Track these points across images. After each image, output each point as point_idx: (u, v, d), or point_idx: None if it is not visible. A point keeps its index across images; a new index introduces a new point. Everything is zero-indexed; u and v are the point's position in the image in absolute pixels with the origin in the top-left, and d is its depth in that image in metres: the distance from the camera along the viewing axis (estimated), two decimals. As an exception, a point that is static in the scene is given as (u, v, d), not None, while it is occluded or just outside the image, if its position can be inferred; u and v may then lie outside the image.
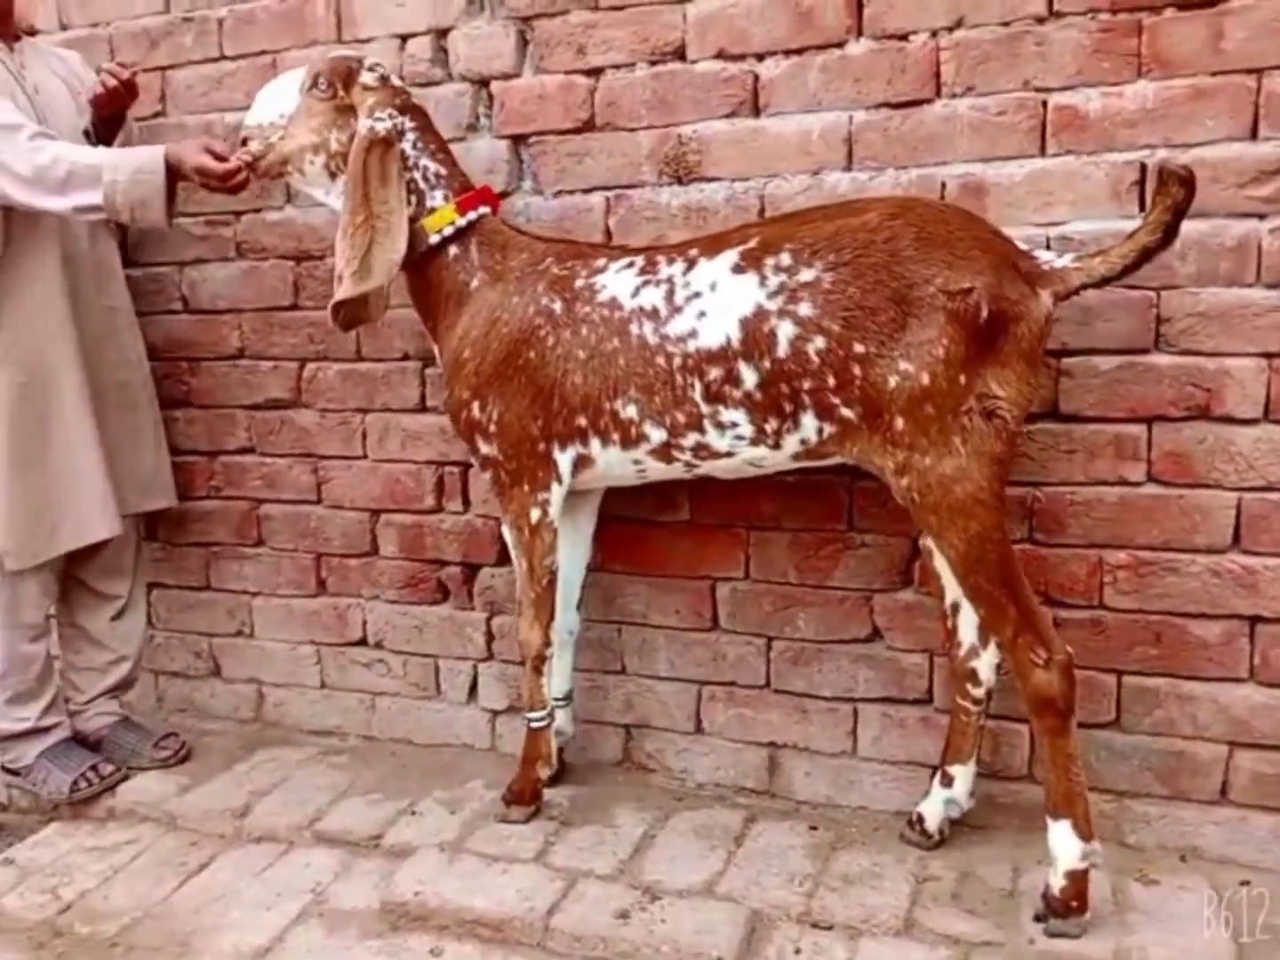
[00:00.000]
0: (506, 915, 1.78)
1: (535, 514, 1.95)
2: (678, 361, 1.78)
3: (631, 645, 2.23)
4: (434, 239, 1.96)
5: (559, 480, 1.94)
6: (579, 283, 1.88)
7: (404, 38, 2.26)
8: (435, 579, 2.40)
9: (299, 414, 2.48)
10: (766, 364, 1.72)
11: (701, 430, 1.80)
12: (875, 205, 1.71)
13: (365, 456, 2.43)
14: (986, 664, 1.85)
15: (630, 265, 1.86)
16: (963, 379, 1.62)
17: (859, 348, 1.66)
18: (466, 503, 2.34)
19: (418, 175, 1.96)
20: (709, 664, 2.17)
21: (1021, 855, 1.89)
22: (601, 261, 1.90)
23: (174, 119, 2.50)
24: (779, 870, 1.89)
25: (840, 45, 1.93)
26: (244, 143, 2.05)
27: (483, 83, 2.21)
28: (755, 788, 2.16)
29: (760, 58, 1.99)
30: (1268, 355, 1.76)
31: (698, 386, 1.77)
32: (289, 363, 2.48)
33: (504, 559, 2.32)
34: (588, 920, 1.75)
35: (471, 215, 1.97)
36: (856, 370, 1.67)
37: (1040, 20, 1.81)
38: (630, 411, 1.84)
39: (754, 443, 1.78)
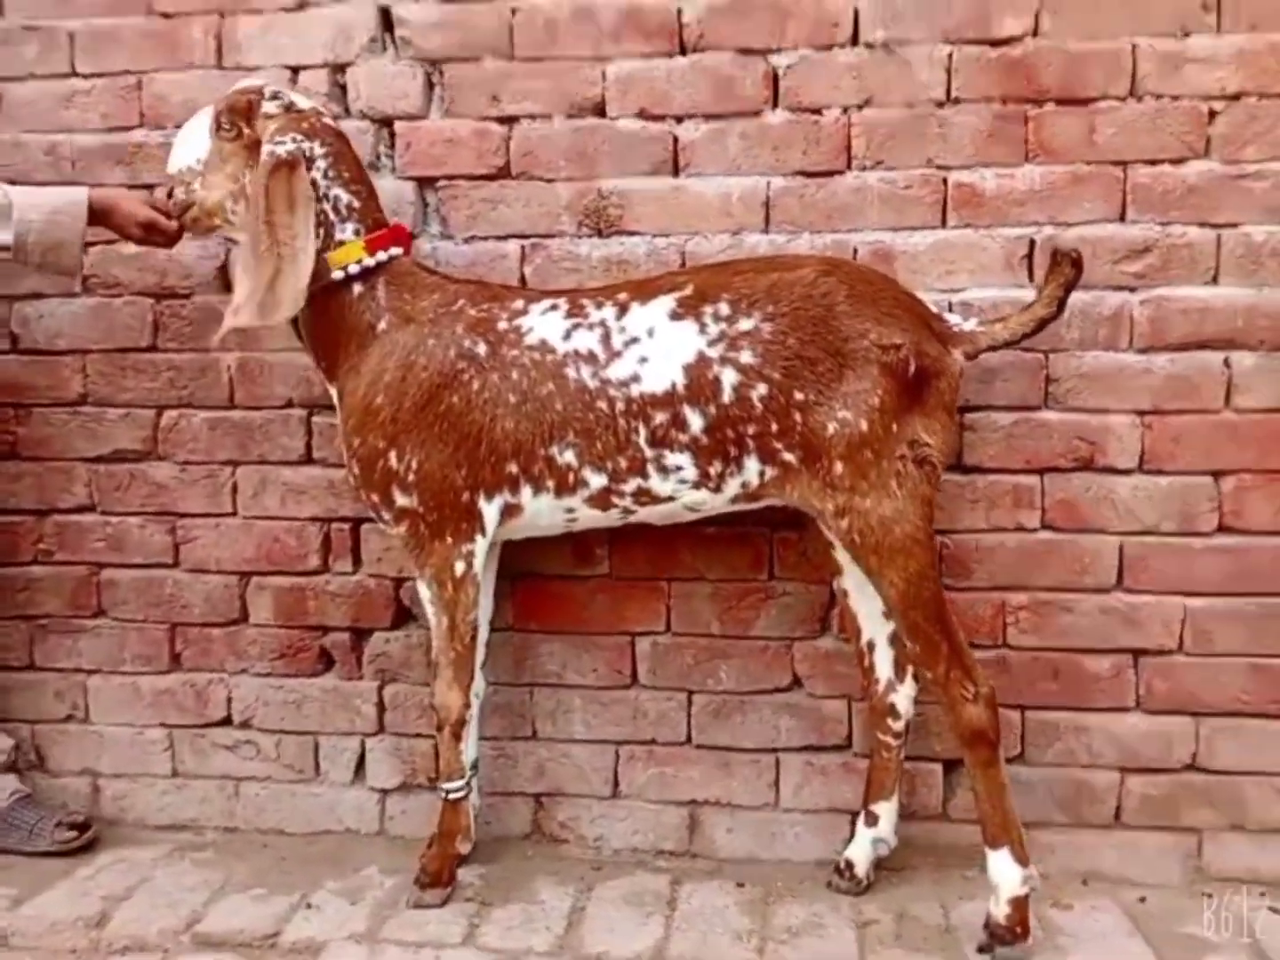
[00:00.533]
0: (452, 1005, 1.62)
1: (459, 567, 1.85)
2: (620, 406, 1.76)
3: (544, 708, 2.13)
4: (337, 274, 1.85)
5: (483, 531, 1.85)
6: (501, 325, 1.83)
7: (296, 69, 2.15)
8: (318, 647, 2.19)
9: (154, 467, 2.23)
10: (712, 409, 1.73)
11: (644, 475, 1.78)
12: (808, 261, 1.80)
13: (235, 513, 2.21)
14: (904, 697, 1.92)
15: (554, 308, 1.84)
16: (895, 426, 1.71)
17: (799, 395, 1.72)
18: (357, 562, 2.18)
19: (327, 206, 1.85)
20: (628, 723, 2.11)
21: (946, 893, 1.94)
22: (519, 303, 1.86)
23: (8, 135, 2.23)
24: (722, 930, 1.84)
25: (758, 114, 2.03)
26: (169, 194, 1.91)
27: (385, 122, 2.13)
28: (675, 849, 2.10)
29: (680, 120, 2.05)
30: (1140, 412, 1.98)
31: (643, 431, 1.76)
32: (143, 410, 2.23)
33: (399, 622, 2.18)
34: (544, 1001, 1.63)
35: (382, 256, 1.87)
36: (797, 416, 1.72)
37: (940, 105, 1.99)
38: (568, 457, 1.79)
39: (696, 486, 1.78)
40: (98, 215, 1.95)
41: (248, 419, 2.19)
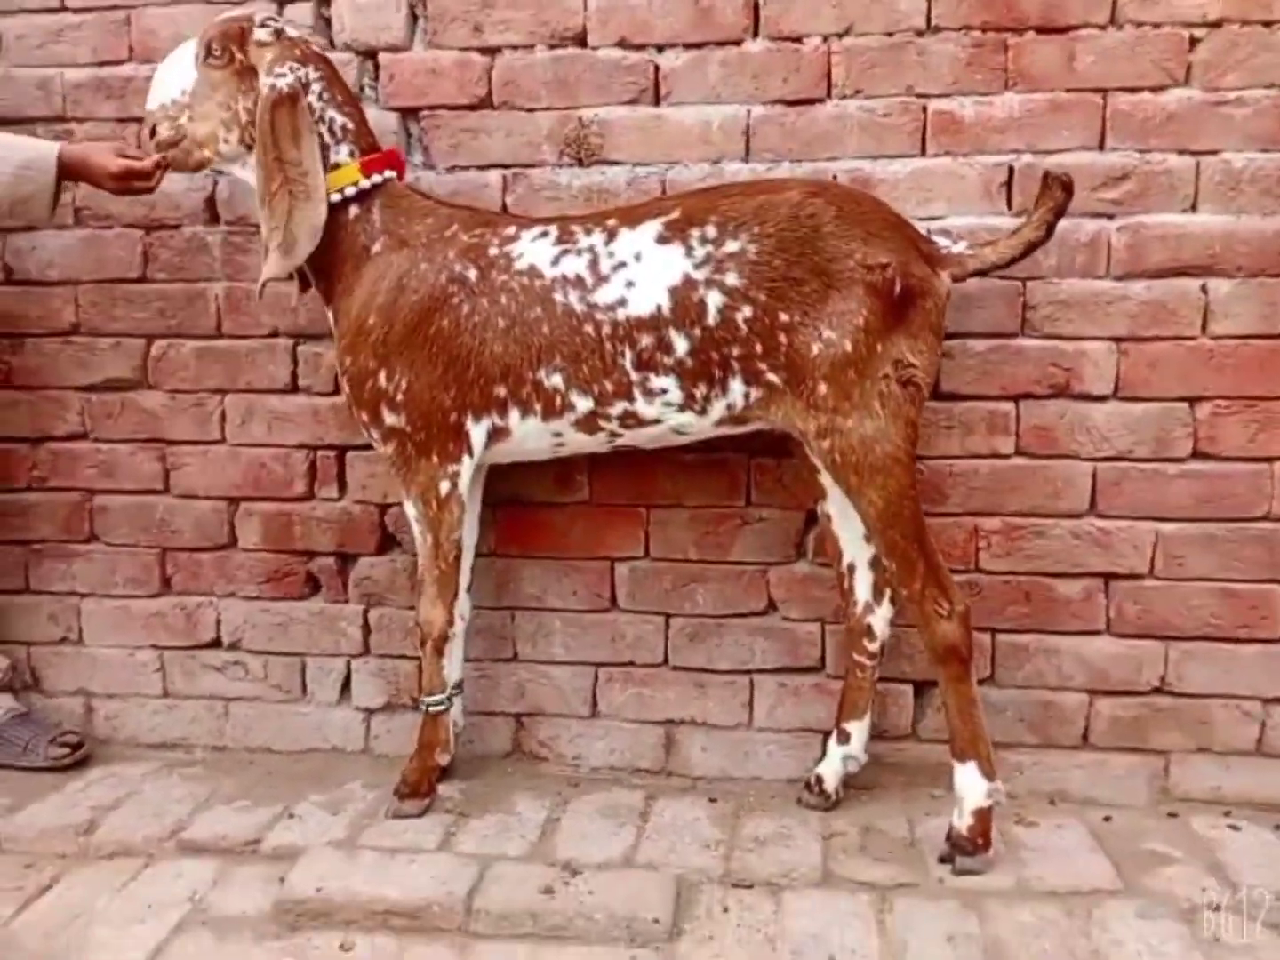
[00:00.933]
0: (423, 902, 1.66)
1: (444, 486, 1.88)
2: (607, 330, 1.79)
3: (525, 631, 2.18)
4: (334, 198, 1.87)
5: (470, 453, 1.89)
6: (493, 250, 1.86)
7: (281, 2, 2.17)
8: (304, 571, 2.24)
9: (144, 395, 2.27)
10: (697, 331, 1.76)
11: (630, 398, 1.80)
12: (794, 184, 1.81)
13: (224, 441, 2.25)
14: (881, 619, 1.95)
15: (544, 235, 1.86)
16: (880, 347, 1.73)
17: (784, 316, 1.73)
18: (343, 488, 2.22)
19: (323, 129, 1.88)
20: (607, 645, 2.15)
21: (913, 809, 1.98)
22: (512, 230, 1.88)
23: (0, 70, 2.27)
24: (691, 839, 1.88)
25: (738, 43, 2.04)
26: (152, 132, 1.91)
27: (369, 54, 2.15)
28: (651, 768, 2.15)
29: (660, 49, 2.06)
30: (1117, 339, 1.99)
31: (628, 354, 1.78)
32: (134, 339, 2.27)
33: (384, 547, 2.22)
34: (512, 898, 1.68)
35: (377, 178, 1.90)
36: (782, 338, 1.74)
37: (920, 33, 1.99)
38: (555, 380, 1.82)
39: (682, 409, 1.80)
40: (69, 170, 1.96)
41: (234, 348, 2.23)
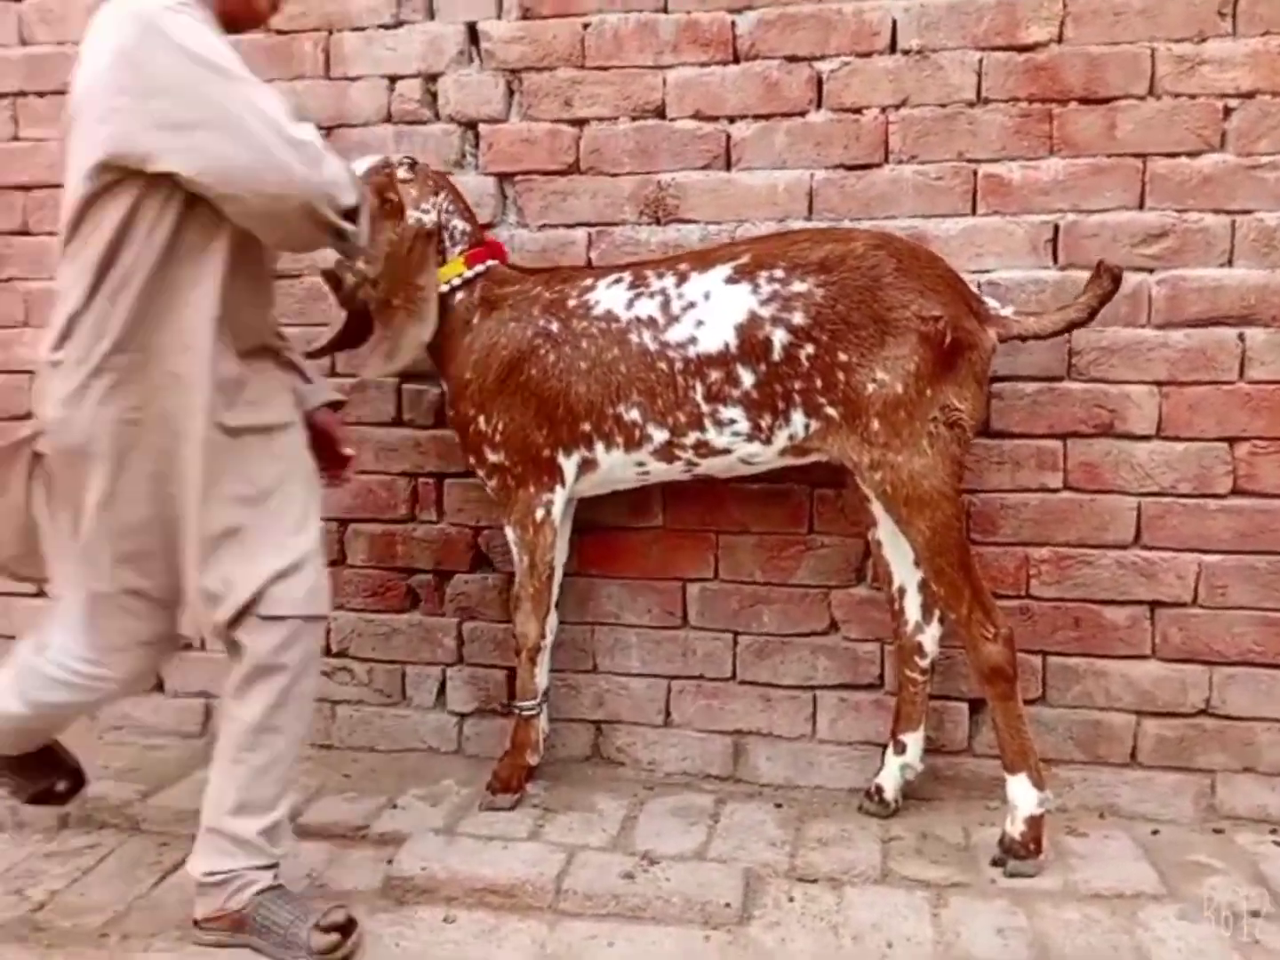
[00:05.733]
0: (517, 881, 1.85)
1: (539, 513, 2.09)
2: (679, 365, 1.99)
3: (604, 645, 2.37)
4: (444, 288, 2.12)
5: (562, 483, 2.10)
6: (572, 302, 2.08)
7: (393, 79, 2.43)
8: (405, 586, 2.47)
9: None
10: (762, 366, 1.95)
11: (702, 428, 2.00)
12: (859, 235, 2.00)
13: (336, 469, 2.49)
14: (931, 638, 2.10)
15: (619, 281, 2.07)
16: (929, 391, 1.90)
17: (843, 356, 1.92)
18: (441, 512, 2.44)
19: (445, 235, 2.14)
20: (679, 659, 2.33)
21: (968, 819, 2.12)
22: (589, 280, 2.11)
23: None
24: (759, 838, 2.04)
25: (803, 114, 2.25)
26: (337, 286, 2.17)
27: (470, 125, 2.40)
28: (720, 774, 2.31)
29: (732, 120, 2.28)
30: (1158, 383, 2.14)
31: (699, 388, 1.98)
32: (257, 378, 2.53)
33: (477, 566, 2.43)
34: (596, 881, 1.85)
35: (479, 268, 2.15)
36: (840, 376, 1.92)
37: (971, 104, 2.19)
38: (634, 414, 2.02)
39: (750, 438, 1.99)
40: None
41: (347, 386, 2.47)
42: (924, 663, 2.11)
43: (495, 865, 1.89)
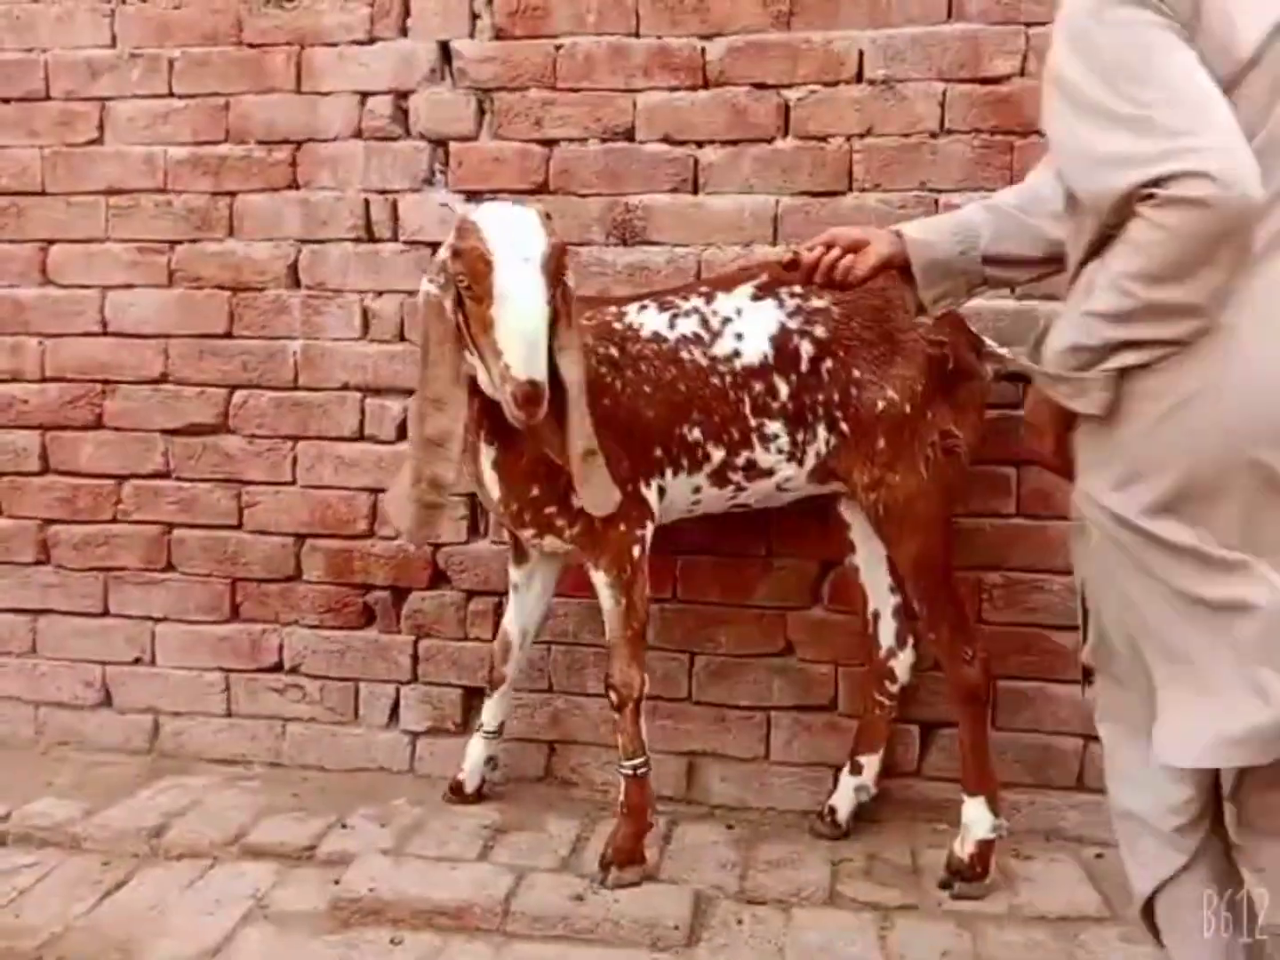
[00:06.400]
0: (465, 903, 1.84)
1: (635, 551, 1.97)
2: (729, 379, 1.97)
3: (560, 664, 2.37)
4: None
5: (651, 516, 1.99)
6: (618, 325, 2.00)
7: (364, 95, 2.44)
8: (361, 603, 2.45)
9: (224, 439, 2.50)
10: (794, 377, 1.97)
11: (750, 446, 1.98)
12: None
13: (294, 482, 2.48)
14: (903, 664, 2.12)
15: (645, 307, 2.03)
16: (930, 414, 1.94)
17: (857, 373, 1.96)
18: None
19: None
20: (635, 679, 2.33)
21: (917, 841, 2.14)
22: (614, 308, 2.03)
23: (111, 148, 2.54)
24: (710, 860, 2.05)
25: (770, 141, 2.28)
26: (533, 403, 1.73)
27: (441, 142, 2.41)
28: (674, 795, 2.31)
29: (700, 145, 2.31)
30: (1108, 413, 2.18)
31: (746, 401, 1.98)
32: (218, 389, 2.51)
33: (434, 583, 2.42)
34: (545, 903, 1.84)
35: None
36: (854, 391, 1.96)
37: (934, 135, 2.23)
38: (696, 434, 1.98)
39: (789, 458, 1.99)
40: None
41: (309, 399, 2.46)
42: (893, 688, 2.13)
43: (443, 886, 1.87)
